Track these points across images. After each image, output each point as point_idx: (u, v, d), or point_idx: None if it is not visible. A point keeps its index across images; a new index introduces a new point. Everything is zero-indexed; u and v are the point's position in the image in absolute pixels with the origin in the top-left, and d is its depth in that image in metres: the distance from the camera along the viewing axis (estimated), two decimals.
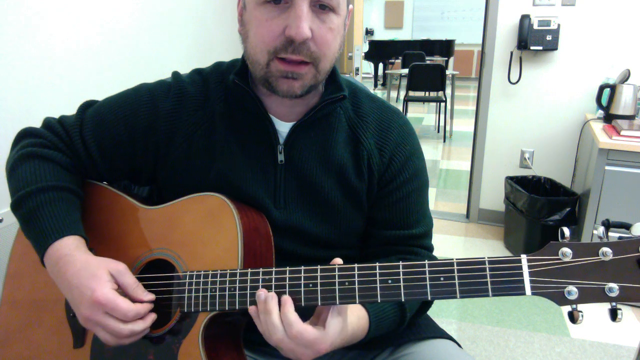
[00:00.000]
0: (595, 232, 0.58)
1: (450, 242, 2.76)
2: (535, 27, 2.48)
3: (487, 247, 2.68)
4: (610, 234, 0.57)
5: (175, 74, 0.83)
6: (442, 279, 0.59)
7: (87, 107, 0.84)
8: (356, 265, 0.63)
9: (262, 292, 0.64)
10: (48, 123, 0.82)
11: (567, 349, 1.84)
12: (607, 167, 1.99)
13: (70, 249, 0.70)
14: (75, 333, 0.75)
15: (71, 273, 0.68)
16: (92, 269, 0.68)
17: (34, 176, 0.75)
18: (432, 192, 3.60)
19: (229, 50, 2.68)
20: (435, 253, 0.87)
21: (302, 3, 0.65)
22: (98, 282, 0.66)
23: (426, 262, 0.60)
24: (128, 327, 0.66)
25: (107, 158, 0.80)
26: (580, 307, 0.57)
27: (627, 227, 0.56)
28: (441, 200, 3.47)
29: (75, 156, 0.80)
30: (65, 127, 0.81)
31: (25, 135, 0.82)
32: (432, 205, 3.33)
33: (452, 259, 0.60)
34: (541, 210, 2.32)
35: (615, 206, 2.02)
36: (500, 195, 2.73)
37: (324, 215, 0.79)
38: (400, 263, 0.61)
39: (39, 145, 0.79)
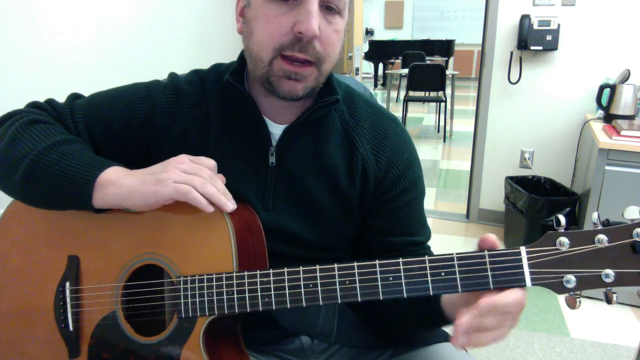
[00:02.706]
0: (592, 221, 0.58)
1: (450, 242, 2.75)
2: (535, 27, 2.48)
3: None
4: None
5: (172, 74, 0.83)
6: (443, 273, 0.59)
7: (75, 98, 0.82)
8: (355, 263, 0.62)
9: None
10: (35, 103, 0.79)
11: (567, 349, 1.84)
12: (607, 167, 1.99)
13: (121, 172, 0.69)
14: (68, 343, 0.73)
15: (140, 171, 0.69)
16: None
17: (42, 136, 0.71)
18: (432, 192, 3.60)
19: (229, 51, 2.68)
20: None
21: (313, 0, 0.65)
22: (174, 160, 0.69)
23: (426, 257, 0.60)
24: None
25: (95, 145, 0.78)
26: (577, 292, 0.57)
27: None
28: (441, 200, 3.46)
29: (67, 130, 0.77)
30: (56, 108, 0.79)
31: (9, 117, 0.76)
32: (432, 205, 3.33)
33: (452, 254, 0.60)
34: (541, 210, 2.32)
35: (615, 206, 2.01)
36: (500, 195, 2.73)
37: (312, 218, 0.78)
38: (400, 260, 0.61)
39: (31, 114, 0.75)
